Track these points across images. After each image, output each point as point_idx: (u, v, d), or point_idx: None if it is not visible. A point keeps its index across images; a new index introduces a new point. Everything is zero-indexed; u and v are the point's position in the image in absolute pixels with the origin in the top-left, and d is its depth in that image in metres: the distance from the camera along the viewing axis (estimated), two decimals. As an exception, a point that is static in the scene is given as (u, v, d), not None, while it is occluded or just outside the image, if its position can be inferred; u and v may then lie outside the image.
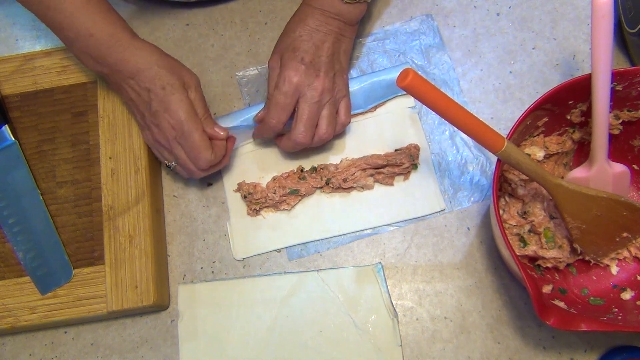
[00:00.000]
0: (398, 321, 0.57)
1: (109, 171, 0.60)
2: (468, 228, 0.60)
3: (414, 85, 0.42)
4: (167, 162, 0.58)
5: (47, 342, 0.59)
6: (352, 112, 0.62)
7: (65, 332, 0.59)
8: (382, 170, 0.61)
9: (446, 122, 0.45)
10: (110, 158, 0.60)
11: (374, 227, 0.61)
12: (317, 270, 0.59)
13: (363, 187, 0.61)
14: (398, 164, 0.60)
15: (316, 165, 0.62)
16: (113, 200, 0.59)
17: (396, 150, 0.62)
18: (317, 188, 0.62)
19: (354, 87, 0.63)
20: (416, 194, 0.61)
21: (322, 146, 0.62)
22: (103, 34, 0.53)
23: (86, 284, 0.57)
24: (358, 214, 0.61)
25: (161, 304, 0.58)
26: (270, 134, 0.59)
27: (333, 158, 0.63)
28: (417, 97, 0.43)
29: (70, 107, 0.63)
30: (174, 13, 0.70)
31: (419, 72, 0.59)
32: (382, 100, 0.64)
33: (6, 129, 0.62)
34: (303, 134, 0.56)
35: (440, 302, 0.58)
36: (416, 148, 0.62)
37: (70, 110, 0.63)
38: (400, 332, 0.57)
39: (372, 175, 0.61)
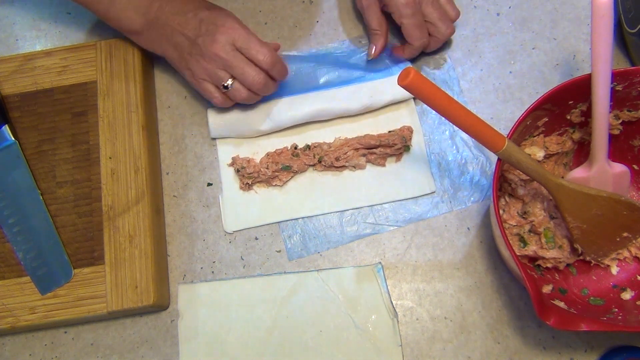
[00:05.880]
0: (398, 321, 0.57)
1: (109, 171, 0.60)
2: (468, 228, 0.60)
3: (415, 84, 0.42)
4: (223, 83, 0.57)
5: (47, 342, 0.59)
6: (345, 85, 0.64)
7: (65, 332, 0.59)
8: (374, 150, 0.61)
9: (446, 122, 0.45)
10: (110, 158, 0.60)
11: (364, 206, 0.61)
12: (317, 270, 0.59)
13: (355, 167, 0.62)
14: (390, 145, 0.61)
15: (310, 143, 0.63)
16: (113, 200, 0.59)
17: (389, 131, 0.62)
18: (310, 165, 0.62)
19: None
20: (407, 176, 0.62)
21: (316, 123, 0.64)
22: None
23: (86, 284, 0.57)
24: (349, 193, 0.62)
25: (161, 304, 0.58)
26: (417, 53, 0.64)
27: (327, 137, 0.63)
28: (418, 96, 0.43)
29: (70, 107, 0.63)
30: (174, 13, 0.70)
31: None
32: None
33: (6, 129, 0.62)
34: (418, 37, 0.61)
35: (440, 302, 0.58)
36: (409, 130, 0.62)
37: (70, 110, 0.63)
38: (400, 332, 0.57)
39: (364, 155, 0.62)
